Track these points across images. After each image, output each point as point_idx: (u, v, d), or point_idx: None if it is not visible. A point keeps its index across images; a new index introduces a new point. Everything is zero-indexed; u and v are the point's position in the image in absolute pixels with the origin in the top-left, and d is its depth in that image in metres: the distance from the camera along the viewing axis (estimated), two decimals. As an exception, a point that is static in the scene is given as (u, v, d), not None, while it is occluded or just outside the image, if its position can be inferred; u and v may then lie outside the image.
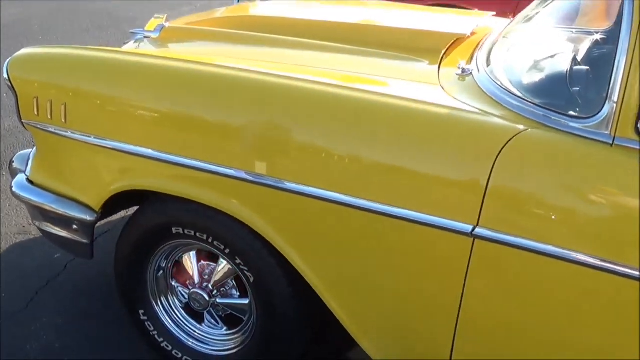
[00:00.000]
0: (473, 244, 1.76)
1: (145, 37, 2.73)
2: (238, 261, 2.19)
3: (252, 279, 2.20)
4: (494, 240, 1.73)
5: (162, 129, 2.14)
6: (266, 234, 2.05)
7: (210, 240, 2.20)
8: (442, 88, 2.06)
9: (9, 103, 4.89)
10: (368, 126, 1.90)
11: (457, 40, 2.47)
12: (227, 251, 2.19)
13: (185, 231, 2.23)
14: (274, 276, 2.17)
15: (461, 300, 1.85)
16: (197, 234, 2.21)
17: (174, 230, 2.24)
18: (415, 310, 1.99)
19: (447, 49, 2.40)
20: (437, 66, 2.28)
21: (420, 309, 1.97)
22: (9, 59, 2.41)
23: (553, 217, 1.68)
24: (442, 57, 2.34)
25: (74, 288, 3.06)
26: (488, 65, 2.10)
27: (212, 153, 2.05)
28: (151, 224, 2.30)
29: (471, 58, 2.24)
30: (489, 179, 1.71)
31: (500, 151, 1.71)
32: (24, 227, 3.49)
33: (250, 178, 2.00)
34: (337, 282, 2.06)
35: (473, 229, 1.74)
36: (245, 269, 2.19)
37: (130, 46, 2.75)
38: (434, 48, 2.39)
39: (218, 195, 2.09)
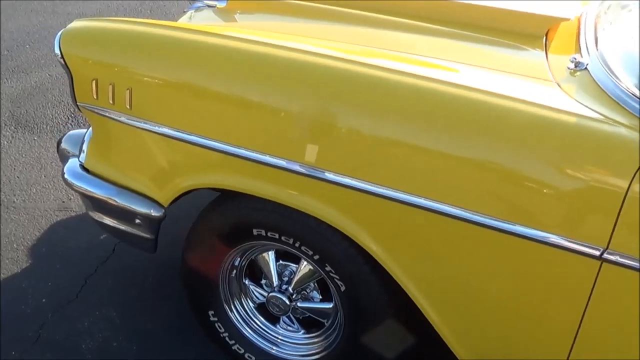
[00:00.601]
0: (600, 267, 1.66)
1: (209, 6, 2.56)
2: (328, 268, 2.07)
3: (343, 288, 2.09)
4: (623, 265, 1.62)
5: (240, 121, 1.97)
6: (366, 244, 1.93)
7: (297, 245, 2.07)
8: (559, 86, 1.89)
9: (32, 56, 4.75)
10: (483, 132, 1.73)
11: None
12: (315, 257, 2.07)
13: (269, 234, 2.10)
14: (368, 285, 2.05)
15: (582, 318, 1.77)
16: (283, 238, 2.08)
17: (254, 232, 2.12)
18: (529, 325, 1.89)
19: (547, 33, 2.23)
20: (544, 56, 2.11)
21: (536, 325, 1.88)
22: (61, 31, 2.25)
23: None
24: (545, 45, 2.17)
25: (125, 274, 2.95)
26: (600, 56, 1.93)
27: (297, 151, 1.90)
28: (227, 225, 2.16)
29: (578, 46, 2.06)
30: (623, 200, 1.57)
31: (638, 169, 1.56)
32: (63, 202, 3.38)
33: (342, 181, 1.86)
34: (440, 296, 1.95)
35: (602, 253, 1.63)
36: (337, 276, 2.07)
37: (185, 18, 2.58)
38: (534, 33, 2.21)
39: (308, 199, 1.95)
